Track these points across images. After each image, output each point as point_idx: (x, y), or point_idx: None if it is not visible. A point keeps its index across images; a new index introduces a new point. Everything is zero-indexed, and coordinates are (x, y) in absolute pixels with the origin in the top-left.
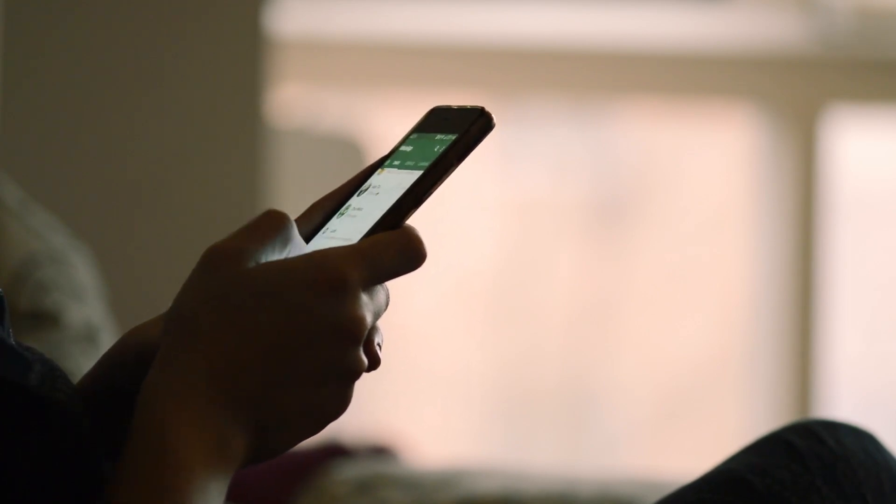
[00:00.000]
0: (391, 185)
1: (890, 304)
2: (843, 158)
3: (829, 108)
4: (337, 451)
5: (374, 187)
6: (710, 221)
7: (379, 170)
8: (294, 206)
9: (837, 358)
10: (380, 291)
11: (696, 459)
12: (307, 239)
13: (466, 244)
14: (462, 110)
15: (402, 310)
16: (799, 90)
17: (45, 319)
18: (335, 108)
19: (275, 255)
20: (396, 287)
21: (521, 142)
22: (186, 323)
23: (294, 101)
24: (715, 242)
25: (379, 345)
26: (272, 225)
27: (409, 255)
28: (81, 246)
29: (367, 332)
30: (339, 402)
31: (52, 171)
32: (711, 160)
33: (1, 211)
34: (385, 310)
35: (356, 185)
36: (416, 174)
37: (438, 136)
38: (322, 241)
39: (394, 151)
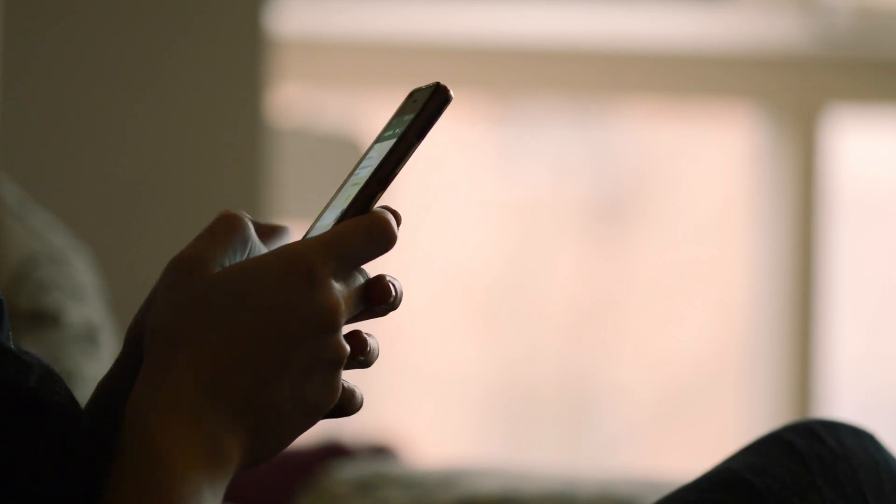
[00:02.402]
0: (366, 171)
1: (890, 304)
2: (843, 158)
3: (829, 108)
4: (337, 451)
5: (356, 174)
6: (710, 221)
7: (369, 152)
8: (294, 205)
9: (838, 358)
10: (357, 278)
11: (696, 459)
12: (309, 228)
13: (466, 244)
14: (426, 89)
15: (402, 310)
16: (799, 90)
17: (45, 319)
18: (335, 108)
19: (236, 257)
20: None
21: (521, 142)
22: (166, 334)
23: (294, 101)
24: (715, 242)
25: (367, 334)
26: (229, 228)
27: (376, 238)
28: (81, 246)
29: (343, 318)
30: (328, 393)
31: (52, 171)
32: (711, 160)
33: (1, 211)
34: (379, 300)
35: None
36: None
37: (406, 117)
38: (316, 227)
39: (378, 137)
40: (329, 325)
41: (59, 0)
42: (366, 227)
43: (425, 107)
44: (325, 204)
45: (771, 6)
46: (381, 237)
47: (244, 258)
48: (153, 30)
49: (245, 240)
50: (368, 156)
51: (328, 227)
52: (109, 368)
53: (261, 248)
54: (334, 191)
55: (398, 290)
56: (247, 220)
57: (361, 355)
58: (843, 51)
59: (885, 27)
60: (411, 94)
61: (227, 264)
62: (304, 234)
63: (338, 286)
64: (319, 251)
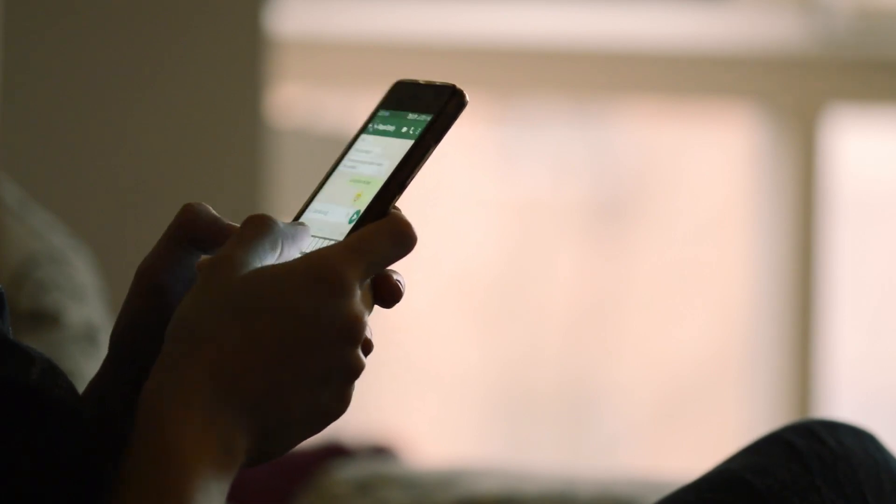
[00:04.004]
0: (372, 169)
1: (890, 304)
2: (843, 158)
3: (829, 108)
4: (337, 451)
5: (351, 168)
6: (710, 221)
7: (356, 143)
8: (294, 205)
9: (838, 358)
10: (366, 282)
11: (696, 459)
12: (296, 216)
13: (466, 244)
14: (432, 88)
15: (402, 310)
16: (799, 90)
17: (45, 319)
18: (335, 108)
19: (267, 257)
20: None
21: (521, 142)
22: (188, 329)
23: (294, 101)
24: (715, 242)
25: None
26: (258, 228)
27: (399, 241)
28: (81, 246)
29: (365, 330)
30: (340, 402)
31: (52, 171)
32: (711, 160)
33: (1, 211)
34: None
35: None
36: (397, 159)
37: (411, 116)
38: (313, 219)
39: (365, 127)
40: (354, 338)
41: (59, 0)
42: (390, 232)
43: (444, 111)
44: (310, 193)
45: (771, 6)
46: (406, 240)
47: (276, 255)
48: (153, 30)
49: (274, 241)
50: (364, 150)
51: (338, 227)
52: (99, 368)
53: (290, 249)
54: (319, 182)
55: (403, 287)
56: (275, 220)
57: (366, 355)
58: (843, 51)
59: (885, 27)
60: (401, 86)
61: (259, 265)
62: (292, 220)
63: (360, 295)
64: (350, 259)
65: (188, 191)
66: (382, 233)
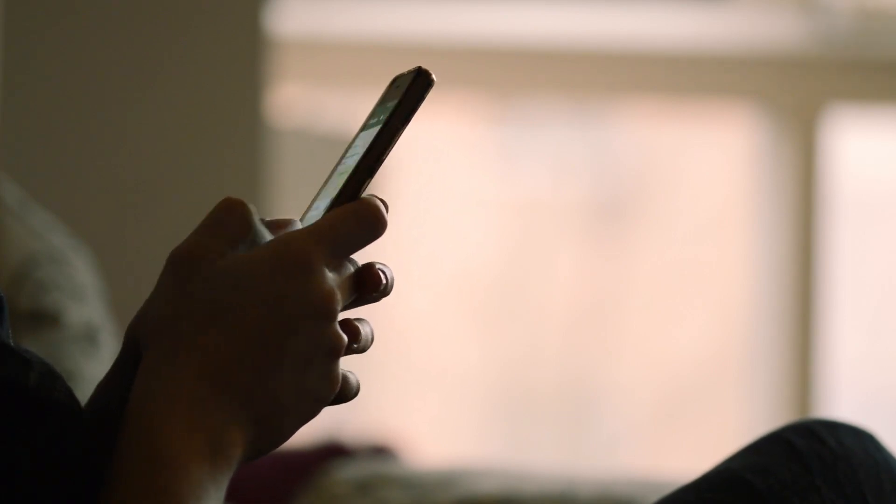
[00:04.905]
0: (353, 160)
1: (890, 304)
2: (843, 158)
3: (829, 108)
4: (337, 451)
5: (342, 163)
6: (710, 221)
7: (354, 141)
8: (294, 205)
9: (838, 358)
10: (348, 266)
11: (696, 459)
12: (302, 217)
13: (466, 244)
14: (407, 74)
15: (402, 310)
16: (799, 90)
17: (45, 319)
18: (335, 108)
19: (239, 246)
20: (397, 288)
21: (521, 142)
22: (166, 329)
23: (294, 101)
24: (715, 242)
25: (359, 320)
26: (230, 215)
27: (366, 224)
28: (81, 246)
29: (339, 307)
30: (328, 382)
31: (52, 171)
32: (711, 160)
33: (1, 211)
34: (362, 289)
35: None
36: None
37: (389, 104)
38: (311, 216)
39: (363, 126)
40: (325, 314)
41: (59, 0)
42: (356, 214)
43: (408, 92)
44: (313, 196)
45: (771, 6)
46: (372, 222)
47: (249, 245)
48: (153, 30)
49: (248, 227)
50: (354, 145)
51: (317, 217)
52: (109, 369)
53: (266, 236)
54: (322, 183)
55: (389, 277)
56: (250, 206)
57: (355, 343)
58: (843, 51)
59: (885, 27)
60: (394, 81)
61: (231, 252)
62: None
63: (331, 275)
64: (312, 240)
65: (188, 191)
66: (347, 215)
